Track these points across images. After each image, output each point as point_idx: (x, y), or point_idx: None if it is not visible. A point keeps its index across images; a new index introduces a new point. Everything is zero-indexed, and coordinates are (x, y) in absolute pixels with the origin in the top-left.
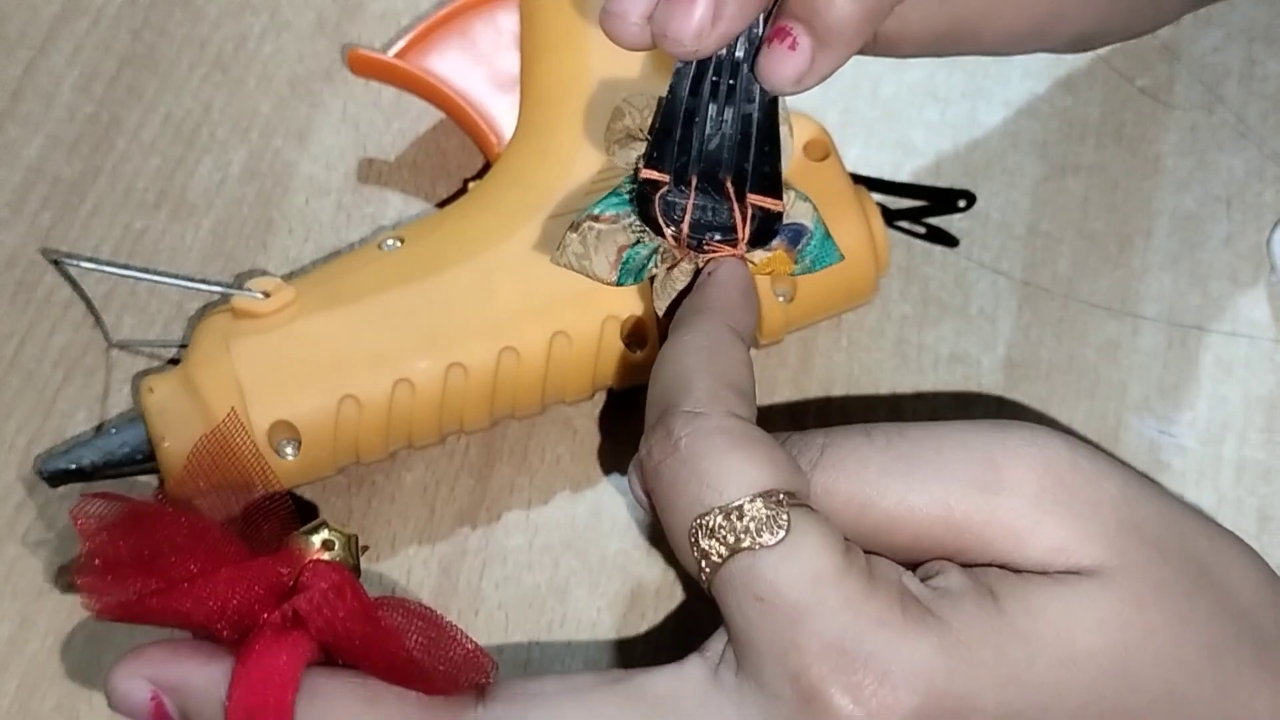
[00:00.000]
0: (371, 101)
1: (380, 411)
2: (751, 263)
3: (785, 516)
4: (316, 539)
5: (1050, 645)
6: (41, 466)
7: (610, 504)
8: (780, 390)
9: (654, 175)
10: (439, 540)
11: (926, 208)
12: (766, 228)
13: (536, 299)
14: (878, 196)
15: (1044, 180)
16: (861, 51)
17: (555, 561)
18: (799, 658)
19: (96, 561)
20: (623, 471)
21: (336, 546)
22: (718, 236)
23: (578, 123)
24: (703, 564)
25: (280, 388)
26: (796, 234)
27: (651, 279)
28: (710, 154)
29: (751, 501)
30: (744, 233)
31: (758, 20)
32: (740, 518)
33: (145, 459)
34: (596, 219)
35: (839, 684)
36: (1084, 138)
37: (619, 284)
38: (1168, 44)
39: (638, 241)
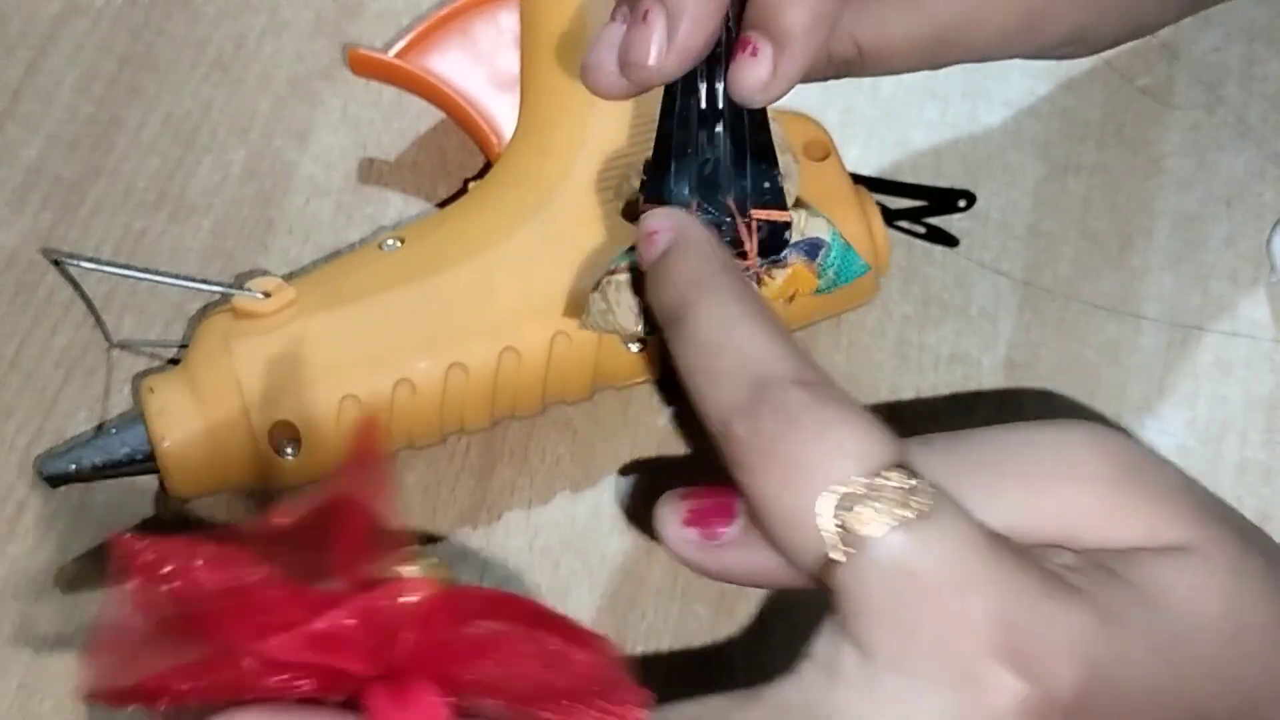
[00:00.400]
0: (371, 101)
1: (381, 412)
2: (771, 280)
3: (927, 487)
4: (418, 569)
5: (1184, 612)
6: (41, 466)
7: (610, 504)
8: None
9: (653, 209)
10: (440, 541)
11: (926, 208)
12: (775, 239)
13: (537, 299)
14: (878, 196)
15: (1045, 180)
16: (851, 72)
17: (555, 562)
18: (961, 636)
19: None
20: (624, 472)
21: (442, 577)
22: None
23: (578, 123)
24: (839, 542)
25: (280, 388)
26: (813, 247)
27: None
28: (707, 179)
29: (895, 470)
30: (751, 245)
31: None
32: (885, 488)
33: (145, 459)
34: (613, 273)
35: (1007, 658)
36: (1085, 138)
37: (648, 335)
38: (1168, 44)
39: None
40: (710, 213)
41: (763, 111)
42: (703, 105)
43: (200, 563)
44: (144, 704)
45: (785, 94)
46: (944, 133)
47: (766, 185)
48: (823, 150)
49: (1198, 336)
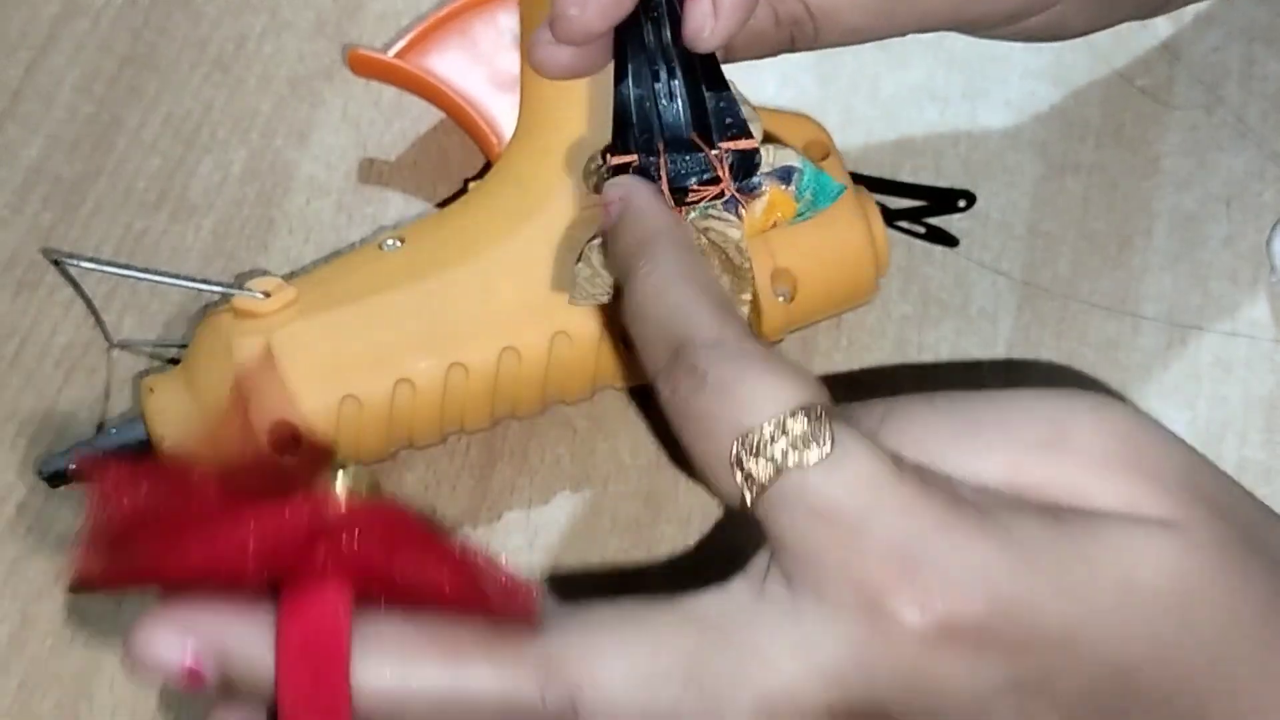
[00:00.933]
0: (372, 101)
1: (381, 412)
2: (751, 212)
3: (828, 428)
4: (340, 482)
5: (1111, 568)
6: (41, 466)
7: (610, 504)
8: None
9: (621, 159)
10: None
11: (926, 208)
12: (746, 163)
13: (537, 299)
14: (878, 196)
15: (1044, 180)
16: (804, 37)
17: (556, 562)
18: (862, 566)
19: (109, 517)
20: (624, 472)
21: (363, 490)
22: (695, 181)
23: (578, 122)
24: (748, 486)
25: (281, 388)
26: (786, 172)
27: None
28: (669, 124)
29: (793, 416)
30: (722, 170)
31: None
32: (785, 433)
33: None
34: (592, 239)
35: (904, 591)
36: (1084, 138)
37: None
38: (1168, 44)
39: None
40: (678, 150)
41: (713, 57)
42: (655, 63)
43: (151, 484)
44: (115, 589)
45: (729, 35)
46: (944, 133)
47: (729, 121)
48: (823, 150)
49: (1198, 336)
